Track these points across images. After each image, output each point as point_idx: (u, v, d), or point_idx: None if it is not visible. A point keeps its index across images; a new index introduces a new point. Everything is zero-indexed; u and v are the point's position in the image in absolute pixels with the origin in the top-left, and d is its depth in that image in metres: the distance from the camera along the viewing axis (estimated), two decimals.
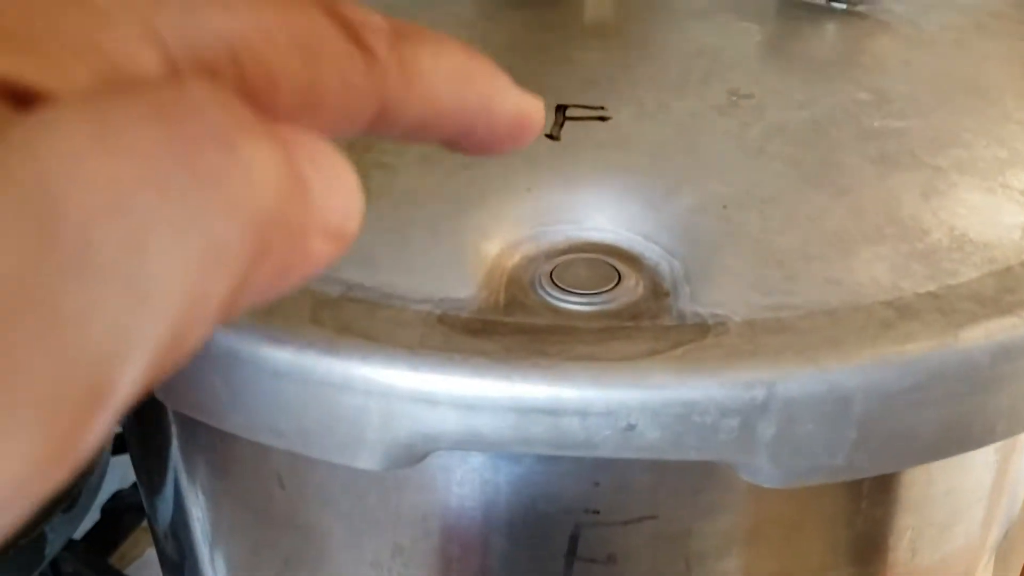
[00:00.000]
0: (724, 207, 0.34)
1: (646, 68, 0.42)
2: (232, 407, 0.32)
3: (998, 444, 0.38)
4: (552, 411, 0.29)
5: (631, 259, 0.34)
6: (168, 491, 0.46)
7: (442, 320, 0.31)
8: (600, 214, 0.35)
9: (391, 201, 0.36)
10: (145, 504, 0.53)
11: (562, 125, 0.38)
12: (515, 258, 0.34)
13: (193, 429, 0.40)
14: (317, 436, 0.31)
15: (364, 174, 0.37)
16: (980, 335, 0.30)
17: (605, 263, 0.33)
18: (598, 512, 0.34)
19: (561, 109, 0.39)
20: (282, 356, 0.30)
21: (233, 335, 0.31)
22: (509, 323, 0.31)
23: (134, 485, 0.96)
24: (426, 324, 0.31)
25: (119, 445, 0.87)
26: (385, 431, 0.31)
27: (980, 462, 0.37)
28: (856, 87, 0.41)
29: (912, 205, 0.35)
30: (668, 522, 0.34)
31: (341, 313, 0.31)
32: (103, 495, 0.84)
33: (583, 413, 0.29)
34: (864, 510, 0.36)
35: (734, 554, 0.36)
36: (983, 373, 0.30)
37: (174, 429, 0.42)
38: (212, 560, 0.46)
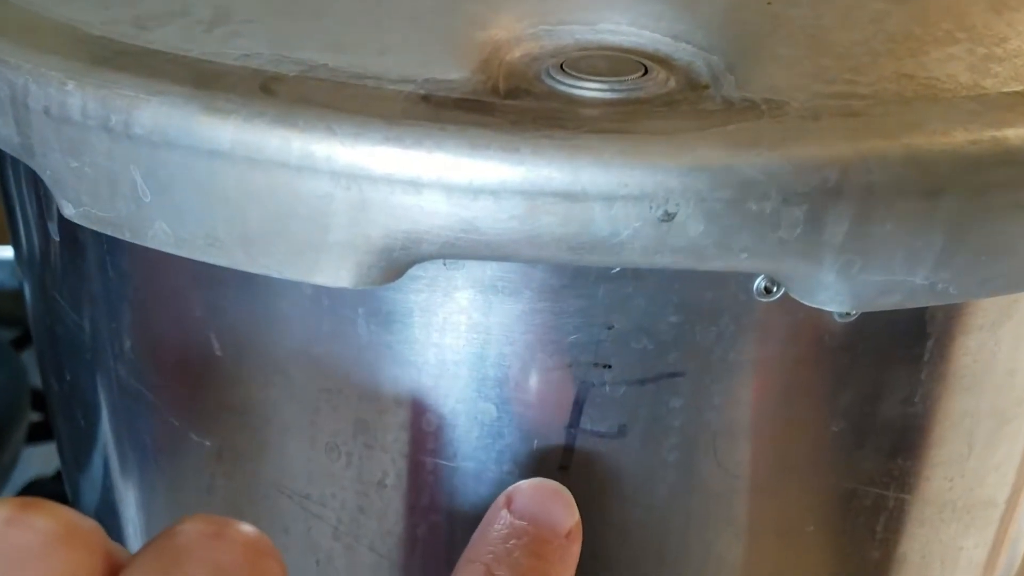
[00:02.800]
0: (768, 3, 0.29)
1: None
2: (157, 209, 0.25)
3: None
4: (569, 194, 0.23)
5: (658, 60, 0.28)
6: (96, 467, 0.39)
7: (427, 99, 0.25)
8: (617, 14, 0.29)
9: None
10: (68, 491, 0.46)
11: None
12: (515, 53, 0.28)
13: (132, 408, 0.34)
14: (265, 242, 0.25)
15: None
16: None
17: (627, 58, 0.28)
18: (610, 367, 0.28)
19: None
20: (223, 130, 0.24)
21: (159, 108, 0.24)
22: (513, 104, 0.25)
23: (57, 475, 0.88)
24: (408, 100, 0.25)
25: (37, 433, 0.80)
26: (355, 229, 0.24)
27: None
28: None
29: (983, 16, 0.30)
30: (695, 382, 0.28)
31: (299, 87, 0.25)
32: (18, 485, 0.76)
33: (609, 198, 0.23)
34: (924, 383, 0.30)
35: (769, 429, 0.30)
36: None
37: (105, 381, 0.35)
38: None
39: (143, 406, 0.34)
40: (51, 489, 0.89)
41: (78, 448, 0.41)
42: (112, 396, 0.36)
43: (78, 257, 0.33)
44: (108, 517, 0.40)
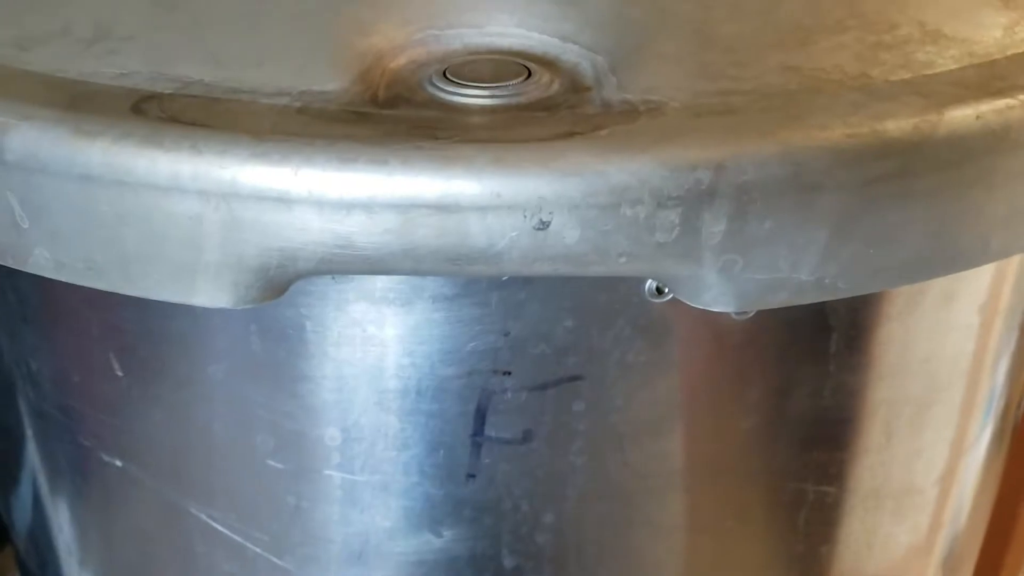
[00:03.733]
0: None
1: None
2: (36, 234, 0.25)
3: (982, 302, 0.32)
4: (442, 206, 0.23)
5: (545, 63, 0.28)
6: (24, 489, 0.39)
7: (302, 112, 0.24)
8: (506, 16, 0.29)
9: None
10: (3, 512, 0.45)
11: None
12: (400, 61, 0.28)
13: (48, 430, 0.33)
14: (142, 265, 0.24)
15: None
16: (969, 114, 0.24)
17: (512, 61, 0.27)
18: (509, 373, 0.28)
19: None
20: (92, 153, 0.23)
21: (28, 132, 0.24)
22: (389, 115, 0.25)
23: None
24: (280, 114, 0.24)
25: None
26: (228, 249, 0.24)
27: (962, 322, 0.32)
28: None
29: (876, 2, 0.29)
30: (596, 385, 0.28)
31: (171, 105, 0.25)
32: None
33: (482, 208, 0.23)
34: (833, 375, 0.30)
35: (676, 429, 0.29)
36: (975, 162, 0.24)
37: (23, 415, 0.34)
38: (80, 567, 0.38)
39: (54, 427, 0.33)
40: None
41: (5, 470, 0.41)
42: (29, 418, 0.35)
43: None
44: (41, 536, 0.40)
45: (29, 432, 0.36)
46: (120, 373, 0.30)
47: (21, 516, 0.42)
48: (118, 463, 0.32)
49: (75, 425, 0.32)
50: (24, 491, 0.40)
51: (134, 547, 0.34)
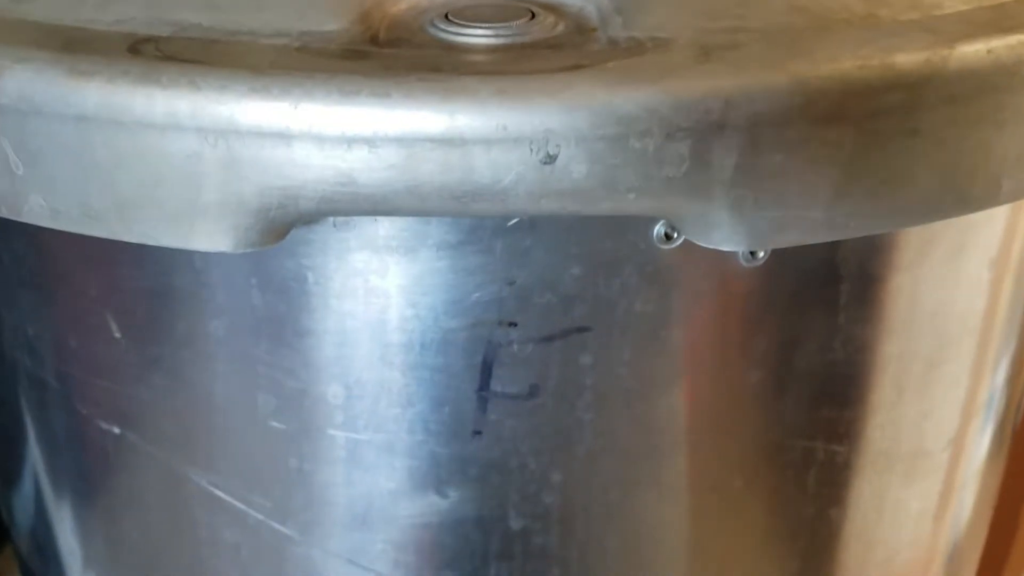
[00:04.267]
0: None
1: None
2: (31, 181, 0.24)
3: (992, 257, 0.32)
4: (446, 139, 0.22)
5: (548, 7, 0.27)
6: (26, 487, 0.38)
7: (302, 51, 0.24)
8: None
9: None
10: (4, 512, 0.45)
11: None
12: (401, 5, 0.27)
13: (44, 399, 0.33)
14: (139, 208, 0.24)
15: None
16: (980, 49, 0.24)
17: (515, 5, 0.27)
18: (515, 324, 0.27)
19: None
20: (87, 93, 0.23)
21: (22, 74, 0.23)
22: (390, 53, 0.24)
23: None
24: (279, 53, 0.24)
25: None
26: (228, 189, 0.23)
27: (972, 277, 0.31)
28: None
29: None
30: (603, 337, 0.27)
31: (168, 46, 0.24)
32: None
33: (487, 141, 0.22)
34: (843, 327, 0.29)
35: (683, 384, 0.29)
36: (986, 98, 0.24)
37: (17, 374, 0.34)
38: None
39: (52, 396, 0.33)
40: None
41: (3, 453, 0.40)
42: (25, 389, 0.34)
43: None
44: (42, 528, 0.39)
45: (27, 406, 0.35)
46: (118, 335, 0.29)
47: (22, 509, 0.41)
48: (116, 430, 0.31)
49: (72, 392, 0.32)
50: (27, 483, 0.39)
51: (135, 518, 0.33)
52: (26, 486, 0.39)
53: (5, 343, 0.34)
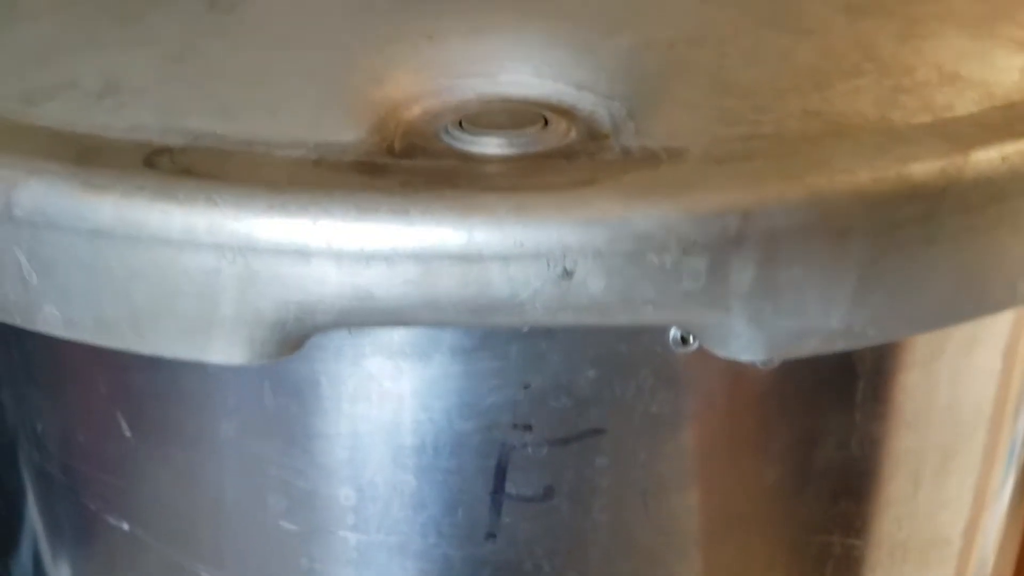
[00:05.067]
0: (672, 46, 0.28)
1: None
2: (44, 292, 0.24)
3: (1004, 346, 0.32)
4: (464, 256, 0.22)
5: (560, 111, 0.27)
6: (25, 553, 0.38)
7: (318, 163, 0.24)
8: (519, 64, 0.28)
9: (257, 51, 0.29)
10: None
11: None
12: (414, 111, 0.27)
13: (51, 492, 0.32)
14: (154, 321, 0.24)
15: (221, 27, 0.30)
16: (995, 156, 0.24)
17: (528, 109, 0.27)
18: (530, 428, 0.27)
19: None
20: (102, 208, 0.23)
21: (37, 187, 0.23)
22: (407, 165, 0.24)
23: None
24: (296, 166, 0.24)
25: None
26: (245, 304, 0.23)
27: (985, 368, 0.31)
28: None
29: (890, 46, 0.29)
30: (619, 439, 0.27)
31: (183, 158, 0.24)
32: None
33: (505, 257, 0.22)
34: (859, 424, 0.29)
35: (700, 483, 0.29)
36: (1001, 203, 0.24)
37: (22, 466, 0.33)
38: None
39: (59, 489, 0.32)
40: None
41: (5, 534, 0.39)
42: (31, 481, 0.34)
43: None
44: None
45: (31, 494, 0.35)
46: (128, 433, 0.29)
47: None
48: (125, 526, 0.31)
49: (80, 487, 0.31)
50: (24, 557, 0.39)
51: None
52: (26, 566, 0.38)
53: (12, 435, 0.33)
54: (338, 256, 0.22)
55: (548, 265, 0.22)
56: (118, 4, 0.33)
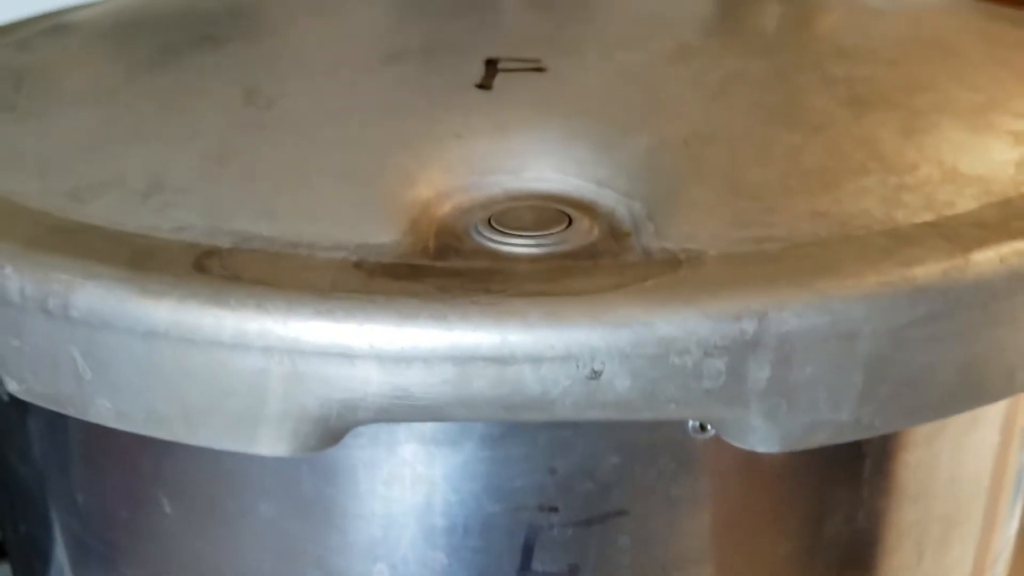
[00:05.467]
0: (687, 144, 0.30)
1: (585, 27, 0.38)
2: (98, 386, 0.26)
3: (1001, 422, 0.33)
4: (498, 358, 0.24)
5: (582, 207, 0.29)
6: None
7: (359, 266, 0.26)
8: (542, 161, 0.30)
9: (296, 150, 0.30)
10: None
11: (493, 76, 0.33)
12: (445, 208, 0.29)
13: (87, 560, 0.34)
14: (204, 416, 0.25)
15: (260, 124, 0.32)
16: (993, 257, 0.26)
17: (552, 208, 0.28)
18: (556, 510, 0.28)
19: (492, 63, 0.34)
20: (157, 312, 0.24)
21: (94, 291, 0.25)
22: (442, 267, 0.26)
23: None
24: (339, 269, 0.25)
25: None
26: (291, 401, 0.24)
27: (984, 443, 0.32)
28: (814, 42, 0.38)
29: (894, 142, 0.31)
30: (640, 519, 0.28)
31: (232, 262, 0.26)
32: None
33: (536, 359, 0.24)
34: (866, 500, 0.31)
35: (717, 559, 0.30)
36: (1000, 302, 0.26)
37: (59, 534, 0.35)
38: None
39: (96, 559, 0.34)
40: None
41: None
42: (67, 548, 0.35)
43: (28, 417, 0.33)
44: None
45: (66, 560, 0.36)
46: (168, 511, 0.30)
47: None
48: None
49: (120, 557, 0.33)
50: None
51: None
52: None
53: (51, 505, 0.35)
54: (380, 358, 0.24)
55: (577, 366, 0.23)
56: (157, 94, 0.35)
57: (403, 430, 0.27)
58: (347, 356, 0.24)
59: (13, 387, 0.27)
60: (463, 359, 0.24)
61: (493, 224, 0.27)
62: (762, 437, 0.25)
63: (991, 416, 0.32)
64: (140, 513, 0.32)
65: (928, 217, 0.28)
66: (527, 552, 0.28)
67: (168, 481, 0.30)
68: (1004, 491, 0.35)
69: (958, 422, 0.31)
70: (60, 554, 0.36)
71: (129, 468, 0.31)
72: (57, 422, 0.32)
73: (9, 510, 0.39)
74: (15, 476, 0.36)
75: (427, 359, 0.24)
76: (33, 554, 0.38)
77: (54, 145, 0.32)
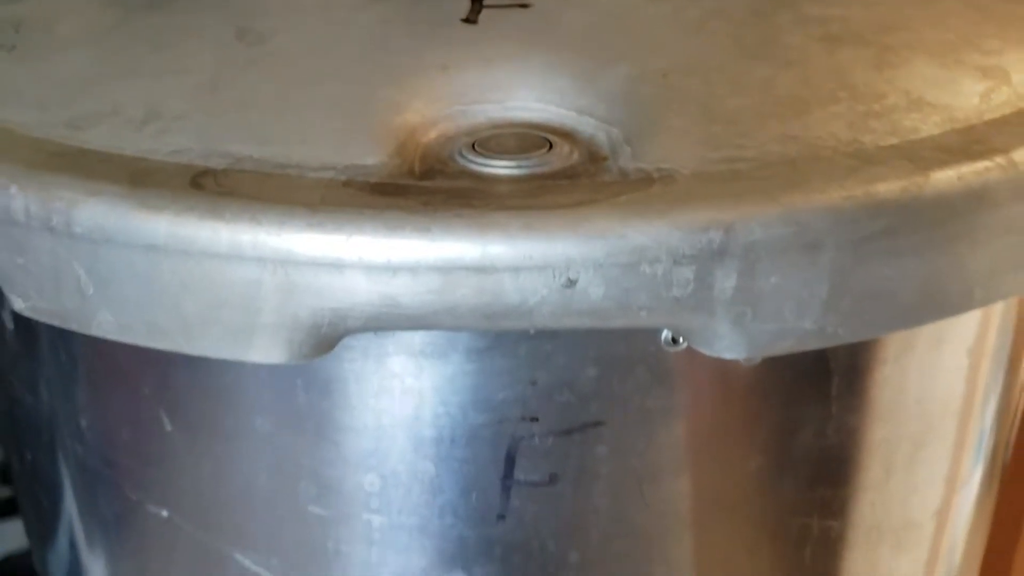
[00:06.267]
0: (664, 76, 0.31)
1: None
2: (100, 300, 0.27)
3: (969, 346, 0.35)
4: (480, 268, 0.25)
5: (563, 134, 0.30)
6: (62, 543, 0.40)
7: (348, 184, 0.27)
8: (525, 92, 0.31)
9: (286, 82, 0.31)
10: (38, 569, 0.47)
11: (479, 12, 0.35)
12: (431, 135, 0.30)
13: (92, 484, 0.35)
14: (202, 326, 0.26)
15: (251, 59, 0.33)
16: (952, 176, 0.27)
17: (534, 134, 0.30)
18: (537, 420, 0.30)
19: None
20: (156, 226, 0.26)
21: (96, 207, 0.26)
22: (427, 185, 0.27)
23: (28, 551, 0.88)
24: (328, 187, 0.27)
25: (9, 509, 0.80)
26: (284, 310, 0.26)
27: (952, 364, 0.34)
28: None
29: (864, 74, 0.32)
30: (617, 430, 0.30)
31: (226, 180, 0.27)
32: None
33: (516, 269, 0.25)
34: (835, 416, 0.32)
35: (690, 470, 0.31)
36: (958, 219, 0.27)
37: (64, 460, 0.36)
38: None
39: (101, 482, 0.35)
40: (27, 564, 0.89)
41: (43, 525, 0.42)
42: (71, 474, 0.37)
43: (32, 343, 0.35)
44: None
45: (71, 486, 0.38)
46: (170, 428, 0.32)
47: (57, 571, 0.43)
48: (164, 513, 0.34)
49: (122, 478, 0.34)
50: (61, 547, 0.42)
51: None
52: (61, 554, 0.41)
53: (54, 431, 0.36)
54: (368, 268, 0.25)
55: (554, 275, 0.25)
56: (150, 34, 0.36)
57: (392, 343, 0.29)
58: (337, 266, 0.25)
59: (18, 305, 0.29)
60: (447, 269, 0.25)
61: (476, 148, 0.28)
62: (729, 344, 0.26)
63: (959, 337, 0.34)
64: (142, 433, 0.33)
65: (893, 141, 0.29)
66: (510, 462, 0.30)
67: (169, 400, 0.32)
68: (974, 415, 0.37)
69: (924, 342, 0.32)
70: (65, 480, 0.38)
71: (131, 389, 0.33)
72: (61, 347, 0.34)
73: (15, 441, 0.41)
74: (21, 405, 0.38)
75: (413, 269, 0.25)
76: (38, 483, 0.40)
77: (52, 81, 0.34)
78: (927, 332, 0.32)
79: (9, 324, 0.35)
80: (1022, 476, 0.72)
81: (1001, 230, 0.28)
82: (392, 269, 0.25)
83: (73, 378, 0.34)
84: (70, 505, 0.39)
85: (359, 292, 0.25)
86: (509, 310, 0.25)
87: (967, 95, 0.32)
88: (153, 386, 0.32)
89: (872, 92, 0.31)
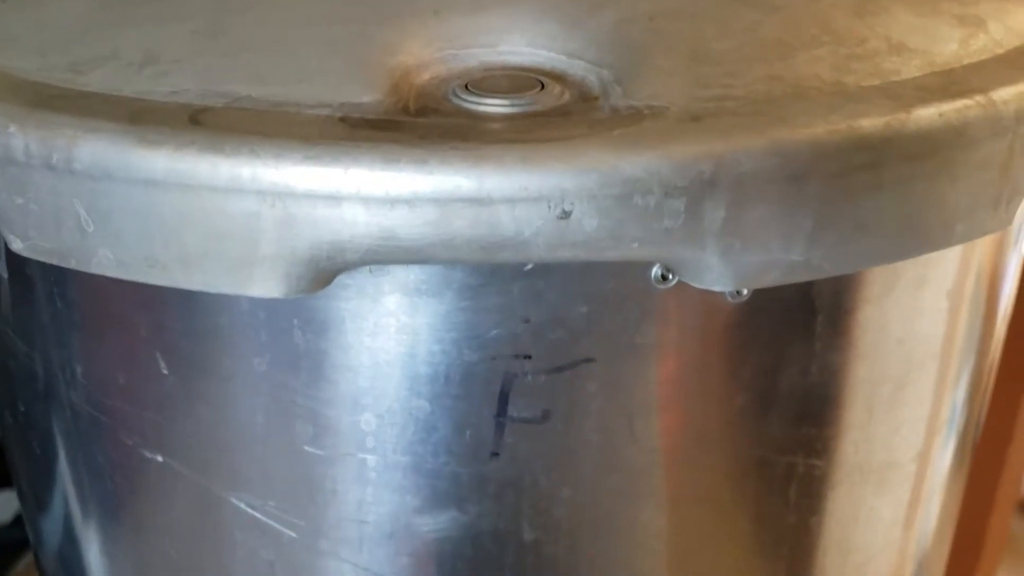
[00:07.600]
0: (652, 19, 0.31)
1: None
2: (100, 237, 0.27)
3: (949, 289, 0.36)
4: (476, 199, 0.25)
5: (554, 76, 0.31)
6: (56, 498, 0.41)
7: (344, 120, 0.27)
8: (516, 36, 0.32)
9: (282, 26, 0.32)
10: (30, 533, 0.47)
11: None
12: (424, 76, 0.30)
13: (87, 432, 0.36)
14: (201, 260, 0.27)
15: (247, 5, 0.33)
16: (933, 112, 0.28)
17: (526, 75, 0.30)
18: (529, 357, 0.30)
19: None
20: (156, 160, 0.26)
21: (96, 143, 0.27)
22: (423, 122, 0.28)
23: (15, 520, 0.88)
24: (325, 123, 0.27)
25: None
26: (282, 243, 0.26)
27: (932, 306, 0.35)
28: None
29: (847, 21, 0.33)
30: (607, 367, 0.31)
31: (225, 117, 0.27)
32: None
33: (511, 200, 0.25)
34: (819, 355, 0.33)
35: (678, 407, 0.32)
36: (940, 156, 0.28)
37: (58, 409, 0.36)
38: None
39: (96, 429, 0.36)
40: (8, 536, 0.89)
41: (35, 479, 0.42)
42: (66, 422, 0.37)
43: (27, 291, 0.35)
44: (70, 549, 0.41)
45: (65, 435, 0.38)
46: (166, 371, 0.32)
47: (50, 531, 0.43)
48: (160, 458, 0.34)
49: (118, 424, 0.35)
50: (56, 503, 0.42)
51: (171, 539, 0.36)
52: (56, 509, 0.41)
53: (51, 380, 0.36)
54: (365, 201, 0.25)
55: (549, 206, 0.25)
56: None
57: (387, 281, 0.29)
58: (335, 199, 0.25)
59: (17, 245, 0.29)
60: (443, 201, 0.25)
61: (470, 88, 0.29)
62: (718, 276, 0.27)
63: (939, 280, 0.35)
64: (138, 377, 0.33)
65: (875, 82, 0.30)
66: (503, 399, 0.30)
67: (165, 342, 0.32)
68: (954, 359, 0.38)
69: (905, 282, 0.33)
70: (59, 429, 0.38)
71: (127, 333, 0.33)
72: (56, 293, 0.34)
73: (7, 392, 0.41)
74: (14, 355, 0.38)
75: (410, 201, 0.25)
76: (32, 434, 0.40)
77: (51, 29, 0.34)
78: (909, 273, 0.33)
79: (3, 273, 0.35)
80: (996, 438, 0.74)
81: (980, 166, 0.29)
82: (390, 201, 0.25)
83: (68, 324, 0.34)
84: (64, 455, 0.39)
85: (357, 225, 0.26)
86: (505, 242, 0.26)
87: (946, 41, 0.32)
88: (149, 328, 0.32)
89: (854, 37, 0.32)
